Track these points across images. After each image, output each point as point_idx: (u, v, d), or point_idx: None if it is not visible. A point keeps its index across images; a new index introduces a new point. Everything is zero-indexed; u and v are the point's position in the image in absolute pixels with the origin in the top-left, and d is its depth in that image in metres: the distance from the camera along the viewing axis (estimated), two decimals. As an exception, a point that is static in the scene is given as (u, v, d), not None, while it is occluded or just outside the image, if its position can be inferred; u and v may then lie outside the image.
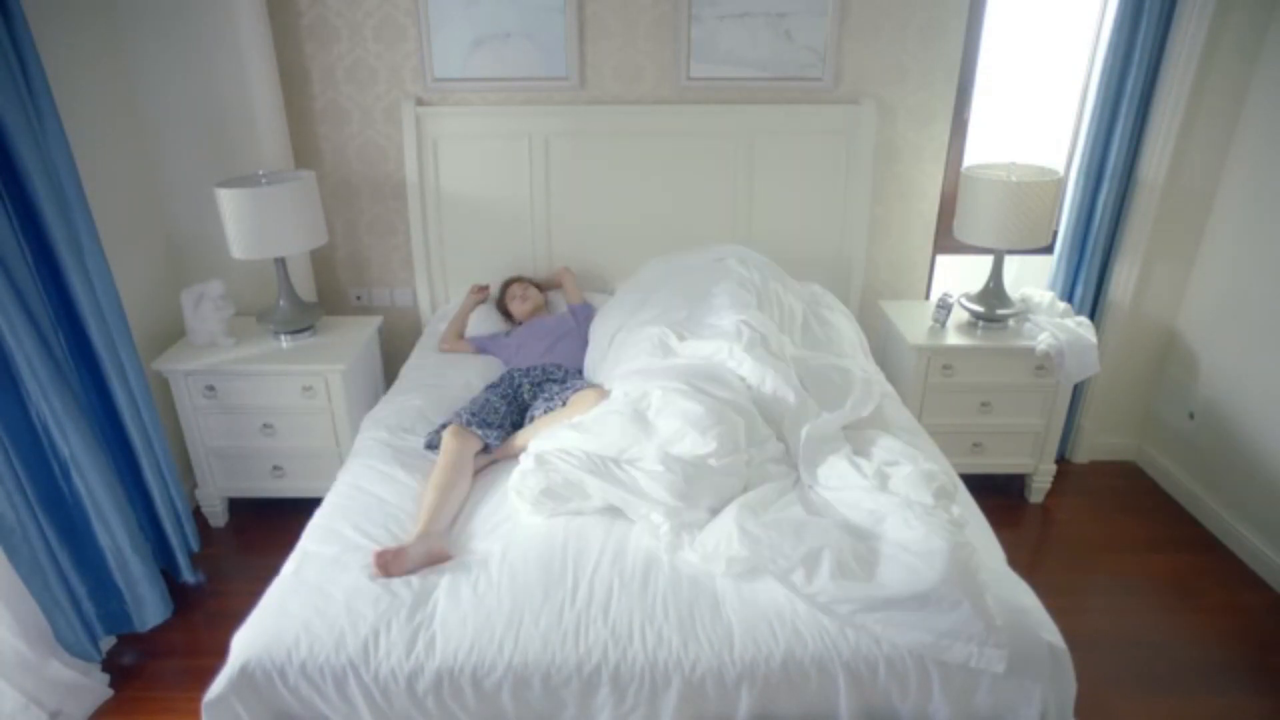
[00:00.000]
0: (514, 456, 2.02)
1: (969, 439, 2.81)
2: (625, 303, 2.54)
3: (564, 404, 2.19)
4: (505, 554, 1.70)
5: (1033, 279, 3.09)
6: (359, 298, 3.16)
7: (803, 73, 2.80)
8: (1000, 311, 2.72)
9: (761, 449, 1.97)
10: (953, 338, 2.71)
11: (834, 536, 1.63)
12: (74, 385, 2.00)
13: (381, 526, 1.81)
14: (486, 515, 1.88)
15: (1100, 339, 2.80)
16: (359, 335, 2.77)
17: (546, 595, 1.58)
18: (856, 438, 2.02)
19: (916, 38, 2.76)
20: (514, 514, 1.84)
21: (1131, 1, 2.53)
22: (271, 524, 2.77)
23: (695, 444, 1.83)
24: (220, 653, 1.53)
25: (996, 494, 2.93)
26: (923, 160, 2.93)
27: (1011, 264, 2.93)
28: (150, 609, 2.22)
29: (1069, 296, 2.95)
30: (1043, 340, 2.62)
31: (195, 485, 2.76)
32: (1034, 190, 2.48)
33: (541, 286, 2.90)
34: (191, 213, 2.78)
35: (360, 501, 1.90)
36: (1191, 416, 2.89)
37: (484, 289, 2.93)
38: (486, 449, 2.08)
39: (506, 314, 2.84)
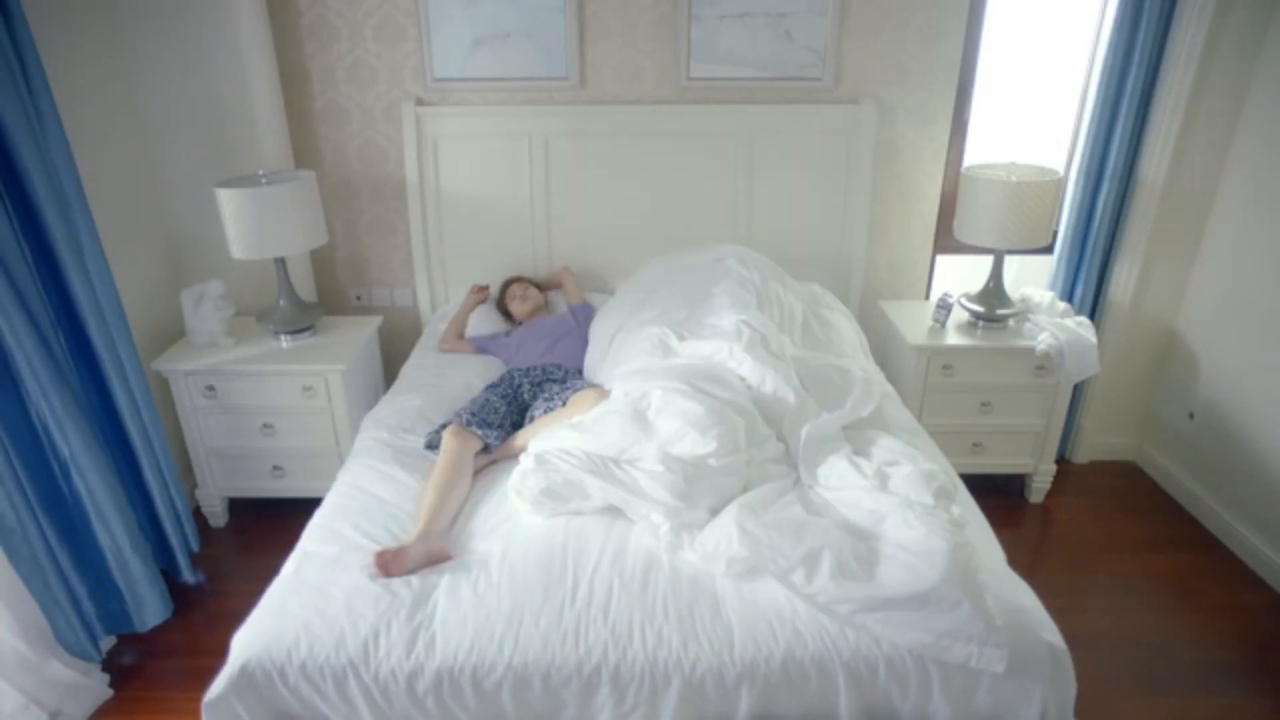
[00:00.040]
0: (514, 456, 2.02)
1: (969, 439, 2.81)
2: (625, 303, 2.54)
3: (564, 404, 2.19)
4: (505, 554, 1.70)
5: (1033, 279, 3.09)
6: (359, 298, 3.16)
7: (803, 73, 2.80)
8: (1000, 311, 2.72)
9: (761, 449, 1.97)
10: (953, 338, 2.71)
11: (834, 536, 1.63)
12: (74, 385, 2.00)
13: (381, 526, 1.81)
14: (486, 515, 1.88)
15: (1100, 339, 2.80)
16: (359, 335, 2.77)
17: (546, 595, 1.58)
18: (856, 438, 2.02)
19: (916, 38, 2.76)
20: (514, 514, 1.84)
21: (1131, 1, 2.53)
22: (271, 524, 2.77)
23: (695, 444, 1.83)
24: (220, 653, 1.53)
25: (996, 494, 2.92)
26: (923, 160, 2.93)
27: (1011, 264, 2.93)
28: (150, 609, 2.22)
29: (1069, 296, 2.95)
30: (1043, 340, 2.62)
31: (195, 485, 2.76)
32: (1034, 190, 2.48)
33: (541, 286, 2.90)
34: (191, 213, 2.78)
35: (360, 501, 1.90)
36: (1191, 416, 2.89)
37: (484, 289, 2.93)
38: (486, 449, 2.08)
39: (506, 314, 2.84)
